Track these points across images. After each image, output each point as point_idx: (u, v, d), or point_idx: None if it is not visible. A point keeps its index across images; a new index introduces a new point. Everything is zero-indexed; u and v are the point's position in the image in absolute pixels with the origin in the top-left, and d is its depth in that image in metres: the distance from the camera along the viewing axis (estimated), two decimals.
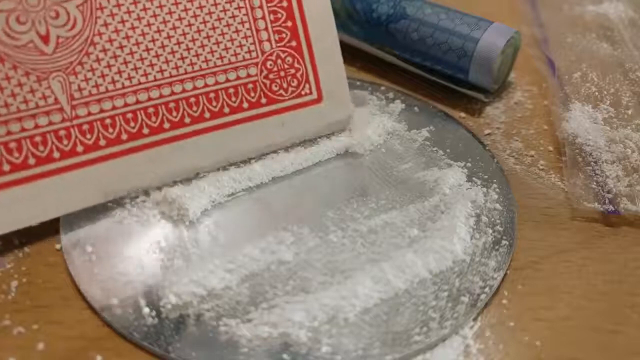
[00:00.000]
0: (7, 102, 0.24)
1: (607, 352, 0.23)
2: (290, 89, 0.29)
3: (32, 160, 0.24)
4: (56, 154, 0.25)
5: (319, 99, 0.30)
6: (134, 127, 0.26)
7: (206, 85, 0.27)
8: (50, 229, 0.26)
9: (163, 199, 0.27)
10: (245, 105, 0.28)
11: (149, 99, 0.26)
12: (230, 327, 0.23)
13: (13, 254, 0.25)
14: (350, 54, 0.36)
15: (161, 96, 0.26)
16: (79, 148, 0.25)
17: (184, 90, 0.27)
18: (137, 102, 0.26)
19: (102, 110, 0.25)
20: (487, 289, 0.24)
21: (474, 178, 0.29)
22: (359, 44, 0.36)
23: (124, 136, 0.26)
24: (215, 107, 0.27)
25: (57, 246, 0.25)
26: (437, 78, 0.35)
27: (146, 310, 0.23)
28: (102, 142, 0.26)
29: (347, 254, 0.25)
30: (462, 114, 0.34)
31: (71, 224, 0.26)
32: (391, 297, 0.24)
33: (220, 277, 0.24)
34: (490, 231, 0.27)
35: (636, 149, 0.30)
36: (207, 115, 0.27)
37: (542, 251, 0.26)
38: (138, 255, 0.25)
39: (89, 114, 0.25)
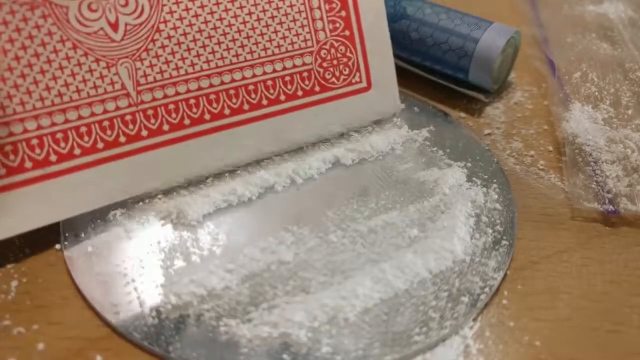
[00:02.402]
0: (79, 87, 0.25)
1: (607, 352, 0.23)
2: (342, 77, 0.30)
3: (100, 145, 0.25)
4: (122, 138, 0.26)
5: (368, 87, 0.31)
6: (195, 113, 0.27)
7: (264, 73, 0.28)
8: (50, 229, 0.26)
9: (165, 208, 0.27)
10: (300, 92, 0.29)
11: (211, 85, 0.27)
12: (231, 327, 0.23)
13: (13, 254, 0.25)
14: None
15: (222, 83, 0.27)
16: (144, 132, 0.26)
17: (243, 78, 0.28)
18: (199, 88, 0.27)
19: (165, 96, 0.26)
20: (487, 289, 0.24)
21: (474, 178, 0.29)
22: None
23: (187, 121, 0.27)
24: (272, 94, 0.28)
25: (57, 246, 0.26)
26: (437, 78, 0.35)
27: (146, 310, 0.23)
28: (166, 127, 0.26)
29: (347, 254, 0.25)
30: (462, 114, 0.34)
31: (71, 224, 0.26)
32: (391, 297, 0.24)
33: (220, 277, 0.24)
34: (490, 231, 0.27)
35: (636, 149, 0.30)
36: (264, 102, 0.28)
37: (542, 251, 0.26)
38: (138, 255, 0.25)
39: (154, 99, 0.26)
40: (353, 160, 0.30)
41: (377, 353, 0.22)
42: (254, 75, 0.28)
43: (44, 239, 0.26)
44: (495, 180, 0.29)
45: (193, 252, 0.25)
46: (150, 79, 0.26)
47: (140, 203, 0.27)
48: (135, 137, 0.26)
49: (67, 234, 0.26)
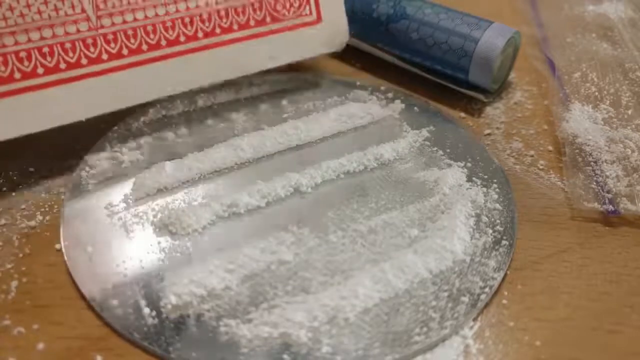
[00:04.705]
0: (40, 9, 0.26)
1: (607, 352, 0.23)
2: (292, 9, 0.31)
3: (63, 65, 0.27)
4: (84, 60, 0.27)
5: (318, 20, 0.32)
6: (153, 39, 0.29)
7: (217, 3, 0.30)
8: (50, 229, 0.26)
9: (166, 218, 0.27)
10: (252, 22, 0.30)
11: (167, 13, 0.29)
12: (231, 328, 0.23)
13: (13, 254, 0.25)
14: (350, 54, 0.36)
15: (177, 11, 0.29)
16: (104, 56, 0.28)
17: (197, 7, 0.29)
18: (156, 15, 0.29)
19: (124, 22, 0.28)
20: (487, 289, 0.24)
21: (474, 178, 0.29)
22: (359, 43, 0.36)
23: (144, 47, 0.28)
24: (225, 23, 0.30)
25: (57, 246, 0.25)
26: (437, 78, 0.35)
27: (146, 310, 0.23)
28: (125, 52, 0.28)
29: (347, 254, 0.25)
30: (462, 114, 0.34)
31: (71, 224, 0.26)
32: (391, 297, 0.24)
33: (220, 278, 0.24)
34: (490, 231, 0.27)
35: (636, 149, 0.30)
36: (217, 30, 0.30)
37: (542, 251, 0.26)
38: (138, 255, 0.25)
39: (113, 24, 0.28)
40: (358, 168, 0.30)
41: (377, 353, 0.22)
42: (207, 4, 0.29)
43: (44, 239, 0.26)
44: (495, 180, 0.29)
45: (193, 252, 0.25)
46: (109, 4, 0.28)
47: (141, 207, 0.27)
48: (96, 59, 0.28)
49: (67, 234, 0.26)
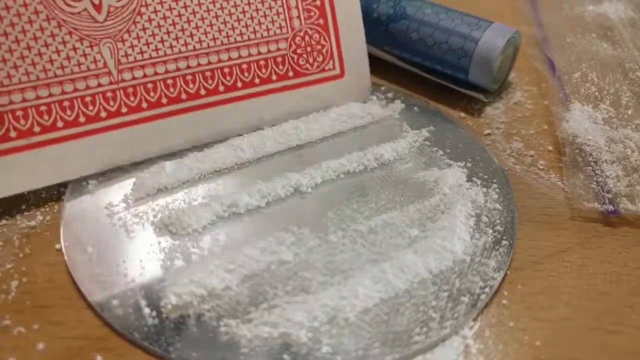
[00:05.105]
0: (63, 64, 0.26)
1: (607, 352, 0.23)
2: (315, 63, 0.31)
3: (82, 119, 0.27)
4: (103, 114, 0.27)
5: (341, 74, 0.32)
6: (173, 93, 0.29)
7: (240, 57, 0.29)
8: (50, 229, 0.26)
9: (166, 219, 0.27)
10: (274, 77, 0.30)
11: (188, 67, 0.29)
12: (231, 328, 0.23)
13: (13, 254, 0.25)
14: None
15: (199, 65, 0.29)
16: (124, 109, 0.28)
17: (219, 61, 0.29)
18: (177, 69, 0.29)
19: (145, 76, 0.28)
20: (487, 289, 0.24)
21: (474, 178, 0.29)
22: None
23: (164, 100, 0.28)
24: (247, 77, 0.30)
25: (57, 246, 0.25)
26: (437, 78, 0.35)
27: (146, 310, 0.23)
28: (144, 105, 0.28)
29: (347, 254, 0.25)
30: (462, 114, 0.34)
31: (71, 224, 0.26)
32: (391, 297, 0.24)
33: (220, 278, 0.24)
34: (490, 231, 0.27)
35: (636, 149, 0.30)
36: (239, 84, 0.30)
37: (542, 251, 0.26)
38: (138, 255, 0.25)
39: (134, 78, 0.28)
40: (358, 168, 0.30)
41: (377, 353, 0.22)
42: (230, 59, 0.29)
43: (44, 239, 0.26)
44: (495, 180, 0.29)
45: (193, 252, 0.25)
46: (131, 58, 0.28)
47: (141, 207, 0.27)
48: (115, 113, 0.28)
49: (67, 234, 0.26)
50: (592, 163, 0.29)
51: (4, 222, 0.26)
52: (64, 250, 0.25)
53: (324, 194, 0.28)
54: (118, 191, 0.28)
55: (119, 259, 0.25)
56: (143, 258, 0.25)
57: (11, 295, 0.24)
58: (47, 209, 0.27)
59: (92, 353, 0.22)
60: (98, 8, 0.27)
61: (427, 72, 0.35)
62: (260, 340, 0.22)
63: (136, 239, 0.26)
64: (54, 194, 0.28)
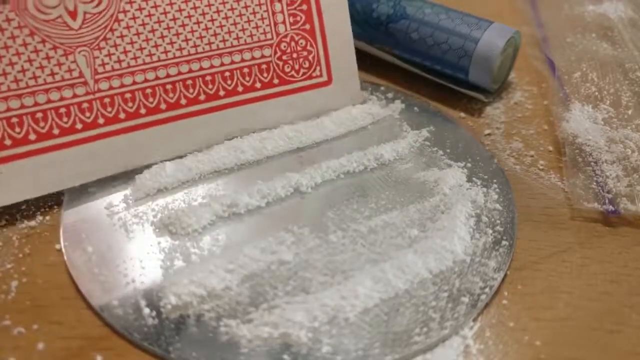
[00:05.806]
0: (36, 74, 0.25)
1: (607, 352, 0.23)
2: (302, 70, 0.30)
3: (56, 131, 0.26)
4: (79, 125, 0.26)
5: (329, 81, 0.31)
6: (152, 102, 0.27)
7: (222, 65, 0.28)
8: (50, 229, 0.26)
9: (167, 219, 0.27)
10: (258, 85, 0.29)
11: (168, 75, 0.28)
12: (231, 328, 0.23)
13: (13, 254, 0.25)
14: None
15: (179, 73, 0.28)
16: (100, 120, 0.27)
17: (201, 69, 0.28)
18: (157, 78, 0.27)
19: (122, 85, 0.27)
20: (487, 289, 0.24)
21: (474, 178, 0.29)
22: (359, 44, 0.36)
23: (143, 110, 0.27)
24: (229, 85, 0.29)
25: (57, 246, 0.25)
26: (437, 78, 0.35)
27: (146, 310, 0.23)
28: (122, 115, 0.27)
29: (347, 254, 0.25)
30: (462, 114, 0.34)
31: (71, 224, 0.26)
32: (391, 298, 0.24)
33: (220, 278, 0.24)
34: (490, 231, 0.27)
35: (636, 149, 0.30)
36: (222, 93, 0.29)
37: (542, 251, 0.26)
38: (138, 255, 0.25)
39: (111, 87, 0.27)
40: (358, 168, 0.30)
41: (377, 353, 0.22)
42: (212, 67, 0.28)
43: (44, 239, 0.26)
44: (495, 181, 0.29)
45: (193, 252, 0.25)
46: (108, 67, 0.27)
47: (141, 207, 0.27)
48: (91, 124, 0.27)
49: (67, 234, 0.26)
50: (592, 163, 0.29)
51: (4, 222, 0.26)
52: (63, 250, 0.25)
53: (324, 194, 0.28)
54: (118, 191, 0.28)
55: (118, 259, 0.25)
56: (143, 258, 0.25)
57: (11, 295, 0.24)
58: (47, 209, 0.27)
59: (92, 353, 0.22)
60: (73, 15, 0.26)
61: (427, 72, 0.35)
62: (260, 340, 0.22)
63: (136, 239, 0.26)
64: (54, 194, 0.28)
